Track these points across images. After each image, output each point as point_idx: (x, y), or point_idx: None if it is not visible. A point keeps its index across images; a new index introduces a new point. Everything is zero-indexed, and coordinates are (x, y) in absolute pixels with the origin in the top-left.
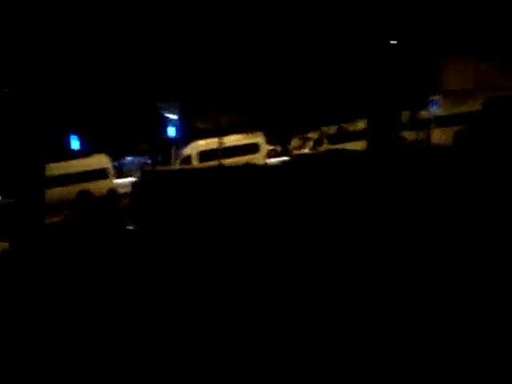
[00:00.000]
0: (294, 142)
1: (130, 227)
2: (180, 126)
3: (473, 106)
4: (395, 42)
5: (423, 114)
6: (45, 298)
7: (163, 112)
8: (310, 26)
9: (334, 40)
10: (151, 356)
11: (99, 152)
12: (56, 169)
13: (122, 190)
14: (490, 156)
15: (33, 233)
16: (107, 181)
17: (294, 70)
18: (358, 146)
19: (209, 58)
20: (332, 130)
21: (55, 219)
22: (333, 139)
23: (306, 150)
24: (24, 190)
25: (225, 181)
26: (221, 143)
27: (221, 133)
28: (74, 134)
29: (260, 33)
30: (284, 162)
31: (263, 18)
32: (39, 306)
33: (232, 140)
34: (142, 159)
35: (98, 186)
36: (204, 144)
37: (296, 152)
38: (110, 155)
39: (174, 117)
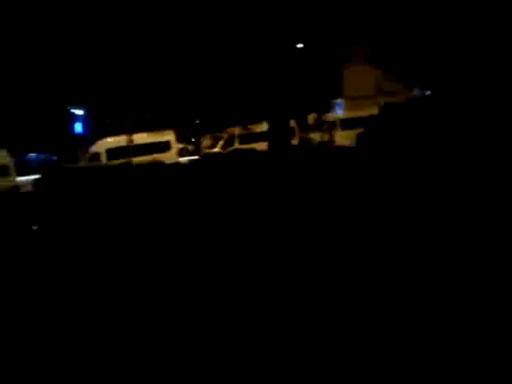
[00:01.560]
0: (206, 141)
1: (34, 226)
2: (87, 122)
3: (372, 110)
4: (301, 46)
5: (328, 116)
6: None
7: (70, 108)
8: (221, 26)
9: (244, 42)
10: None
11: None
12: None
13: (24, 188)
14: (388, 154)
15: None
16: (8, 178)
17: (204, 70)
18: (262, 146)
19: (118, 55)
20: (238, 130)
21: None
22: (243, 139)
23: (217, 150)
24: None
25: (130, 178)
26: (130, 141)
27: (130, 130)
28: None
29: (171, 31)
30: (192, 160)
31: (175, 17)
32: None
33: (142, 138)
34: (46, 156)
35: None
36: (112, 141)
37: (207, 151)
38: (12, 152)
39: (80, 112)
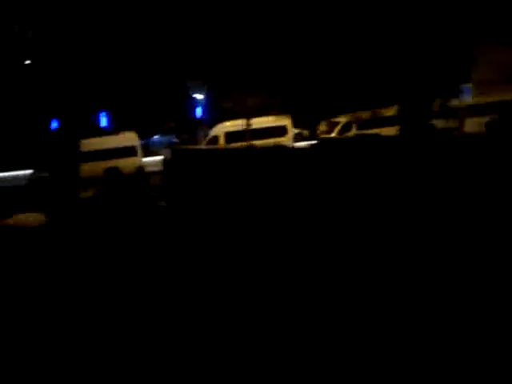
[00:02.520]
0: (322, 126)
1: (162, 203)
2: (206, 106)
3: (505, 95)
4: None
5: (455, 102)
6: (79, 269)
7: (191, 92)
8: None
9: (368, 25)
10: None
11: (128, 130)
12: (85, 145)
13: (149, 168)
14: None
15: (68, 206)
16: (135, 158)
17: (325, 54)
18: (388, 131)
19: (237, 38)
20: (364, 114)
21: (85, 194)
22: (361, 125)
23: (334, 135)
24: (59, 165)
25: (254, 162)
26: (248, 125)
27: (248, 114)
28: (104, 112)
29: (288, 16)
30: (312, 145)
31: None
32: (73, 276)
33: (259, 122)
34: (169, 138)
35: (127, 164)
36: (231, 125)
37: (323, 136)
38: (138, 133)
39: (200, 97)
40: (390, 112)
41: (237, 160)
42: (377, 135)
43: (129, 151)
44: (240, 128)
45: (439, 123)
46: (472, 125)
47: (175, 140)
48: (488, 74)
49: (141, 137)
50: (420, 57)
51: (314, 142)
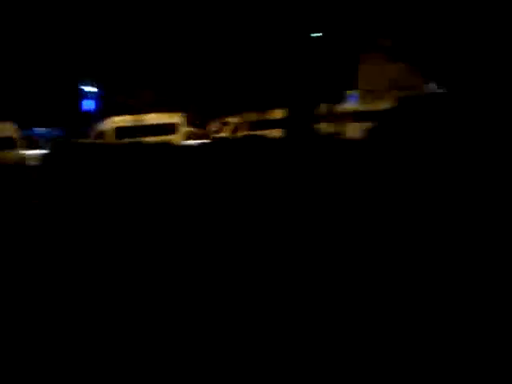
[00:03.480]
0: (214, 126)
1: (35, 201)
2: (98, 99)
3: (386, 103)
4: (319, 35)
5: (341, 107)
6: None
7: (82, 85)
8: (240, 11)
9: (259, 29)
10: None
11: (7, 120)
12: None
13: (30, 162)
14: (402, 151)
15: None
16: (14, 150)
17: (217, 56)
18: (276, 133)
19: (133, 36)
20: (253, 116)
21: None
22: (253, 126)
23: (225, 135)
24: None
25: (139, 158)
26: (138, 121)
27: (140, 110)
28: None
29: (186, 16)
30: (201, 144)
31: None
32: None
33: (150, 118)
34: (53, 131)
35: (4, 156)
36: (121, 120)
37: (215, 135)
38: (20, 125)
39: (92, 89)
40: (277, 115)
41: (120, 156)
42: (263, 137)
43: (6, 143)
44: (130, 124)
45: (326, 128)
46: (354, 130)
47: (61, 134)
48: (371, 82)
49: (23, 128)
50: (308, 62)
51: (204, 141)
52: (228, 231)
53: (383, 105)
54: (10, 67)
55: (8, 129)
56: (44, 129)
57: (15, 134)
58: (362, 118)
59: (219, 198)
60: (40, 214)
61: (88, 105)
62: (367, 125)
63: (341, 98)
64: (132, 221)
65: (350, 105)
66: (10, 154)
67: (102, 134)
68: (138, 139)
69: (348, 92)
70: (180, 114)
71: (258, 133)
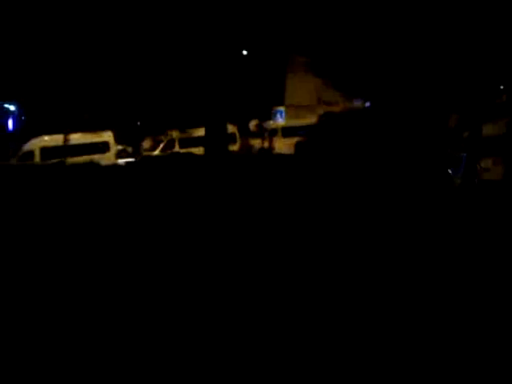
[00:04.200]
0: (146, 143)
1: None
2: (19, 118)
3: (312, 119)
4: (246, 53)
5: (269, 123)
6: None
7: (1, 103)
8: (168, 26)
9: (187, 45)
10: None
11: None
12: None
13: None
14: (324, 162)
15: None
16: None
17: (145, 72)
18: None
19: (57, 53)
20: (177, 134)
21: None
22: (183, 143)
23: (157, 152)
24: None
25: (62, 179)
26: (67, 140)
27: (67, 129)
28: None
29: (112, 30)
30: (128, 162)
31: (116, 16)
32: None
33: (79, 137)
34: None
35: None
36: (48, 140)
37: (147, 153)
38: None
39: (11, 107)
40: (200, 132)
41: (44, 177)
42: (190, 153)
43: None
44: (58, 143)
45: (256, 143)
46: (283, 145)
47: None
48: (298, 98)
49: None
50: (236, 79)
51: (133, 159)
52: (158, 245)
53: (308, 120)
54: None
55: None
56: None
57: None
58: (290, 133)
59: (150, 213)
60: None
61: (9, 124)
62: (294, 140)
63: (269, 114)
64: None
65: (278, 121)
66: None
67: (27, 155)
68: (64, 159)
69: (276, 108)
70: (110, 132)
71: (190, 150)
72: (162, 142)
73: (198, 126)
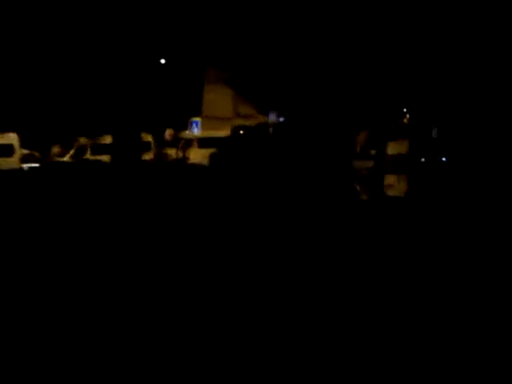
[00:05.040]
0: (55, 149)
1: None
2: None
3: (227, 131)
4: (164, 61)
5: (185, 133)
6: None
7: None
8: (88, 30)
9: (103, 51)
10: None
11: None
12: None
13: None
14: (236, 173)
15: None
16: None
17: (59, 74)
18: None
19: None
20: (86, 141)
21: None
22: (94, 150)
23: (66, 159)
24: None
25: None
26: None
27: None
28: None
29: (34, 32)
30: (32, 167)
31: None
32: None
33: None
34: None
35: None
36: None
37: (56, 159)
38: None
39: None
40: (107, 140)
41: None
42: (98, 161)
43: None
44: None
45: (172, 152)
46: (198, 155)
47: None
48: (215, 109)
49: None
50: (153, 88)
51: (38, 164)
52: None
53: (223, 132)
54: None
55: None
56: None
57: None
58: (205, 144)
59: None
60: None
61: None
62: (208, 150)
63: (186, 124)
64: None
65: (194, 131)
66: None
67: None
68: None
69: (192, 119)
70: (15, 135)
71: (98, 157)
72: (72, 148)
73: (107, 133)
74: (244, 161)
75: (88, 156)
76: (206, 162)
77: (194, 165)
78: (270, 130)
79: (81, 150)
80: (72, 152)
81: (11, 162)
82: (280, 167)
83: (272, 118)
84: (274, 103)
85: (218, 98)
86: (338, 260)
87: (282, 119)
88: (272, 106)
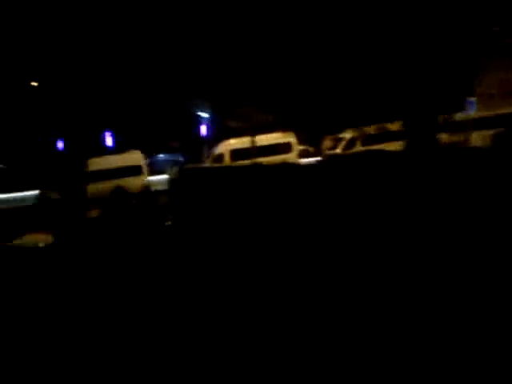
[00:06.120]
0: (327, 142)
1: (168, 223)
2: (211, 124)
3: (509, 108)
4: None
5: (459, 116)
6: (84, 288)
7: (195, 111)
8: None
9: (371, 43)
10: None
11: (133, 149)
12: (91, 165)
13: (155, 187)
14: None
15: (75, 226)
16: (141, 177)
17: (329, 69)
18: (393, 146)
19: (238, 57)
20: (369, 130)
21: (90, 214)
22: (366, 140)
23: (338, 151)
24: (67, 185)
25: (263, 179)
26: (253, 142)
27: (252, 132)
28: (109, 131)
29: (293, 34)
30: (318, 161)
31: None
32: (80, 295)
33: (264, 139)
34: (173, 157)
35: (132, 183)
36: (236, 143)
37: (328, 152)
38: (143, 152)
39: (205, 115)
40: (395, 127)
41: (244, 177)
42: (382, 150)
43: (134, 170)
44: (245, 145)
45: (446, 137)
46: (477, 138)
47: (180, 159)
48: (492, 87)
49: (146, 156)
50: (424, 70)
51: (319, 158)
52: (358, 248)
53: (505, 109)
54: (132, 99)
55: (136, 157)
56: (165, 155)
57: (142, 161)
58: (484, 124)
59: (342, 215)
60: (175, 234)
61: (202, 130)
62: (490, 132)
63: (460, 106)
64: (261, 240)
65: (470, 112)
66: (138, 180)
67: (218, 157)
68: (253, 160)
69: (468, 99)
70: (293, 133)
71: (374, 147)
72: (342, 140)
73: (383, 121)
74: None
75: (358, 147)
76: (487, 144)
77: (473, 148)
78: None
79: (351, 142)
80: (343, 144)
81: (290, 158)
82: None
83: None
84: None
85: (495, 73)
86: None
87: None
88: None
